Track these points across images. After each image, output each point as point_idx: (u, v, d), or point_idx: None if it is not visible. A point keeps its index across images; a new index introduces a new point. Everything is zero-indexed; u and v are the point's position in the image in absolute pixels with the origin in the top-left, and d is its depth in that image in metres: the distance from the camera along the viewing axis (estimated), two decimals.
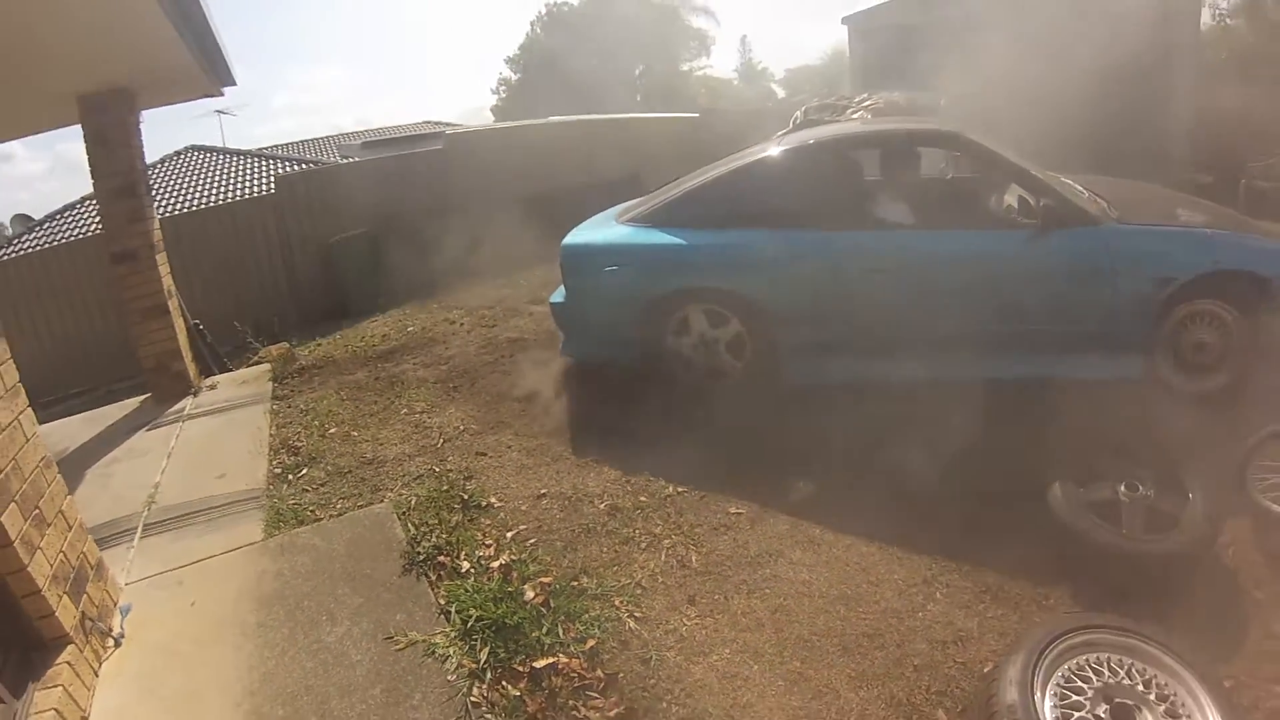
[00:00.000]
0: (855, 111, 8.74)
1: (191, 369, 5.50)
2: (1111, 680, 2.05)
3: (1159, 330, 3.82)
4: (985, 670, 2.32)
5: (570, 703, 2.31)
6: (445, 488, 3.54)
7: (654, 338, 4.24)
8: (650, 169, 8.31)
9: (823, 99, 10.72)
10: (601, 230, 4.56)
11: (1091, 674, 2.07)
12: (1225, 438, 3.22)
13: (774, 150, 4.35)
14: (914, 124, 5.45)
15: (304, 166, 15.36)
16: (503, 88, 38.14)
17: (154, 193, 5.50)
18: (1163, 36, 10.08)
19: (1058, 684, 2.04)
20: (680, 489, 3.40)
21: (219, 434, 4.56)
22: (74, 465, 4.25)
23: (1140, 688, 2.03)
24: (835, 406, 3.84)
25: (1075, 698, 2.00)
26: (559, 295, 4.63)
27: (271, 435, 4.39)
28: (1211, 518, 2.71)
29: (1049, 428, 3.39)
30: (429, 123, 23.97)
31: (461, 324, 6.24)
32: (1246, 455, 2.95)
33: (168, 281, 5.39)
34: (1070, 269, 3.79)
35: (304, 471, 3.89)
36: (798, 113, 9.70)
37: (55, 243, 11.67)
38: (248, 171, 16.47)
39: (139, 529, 3.47)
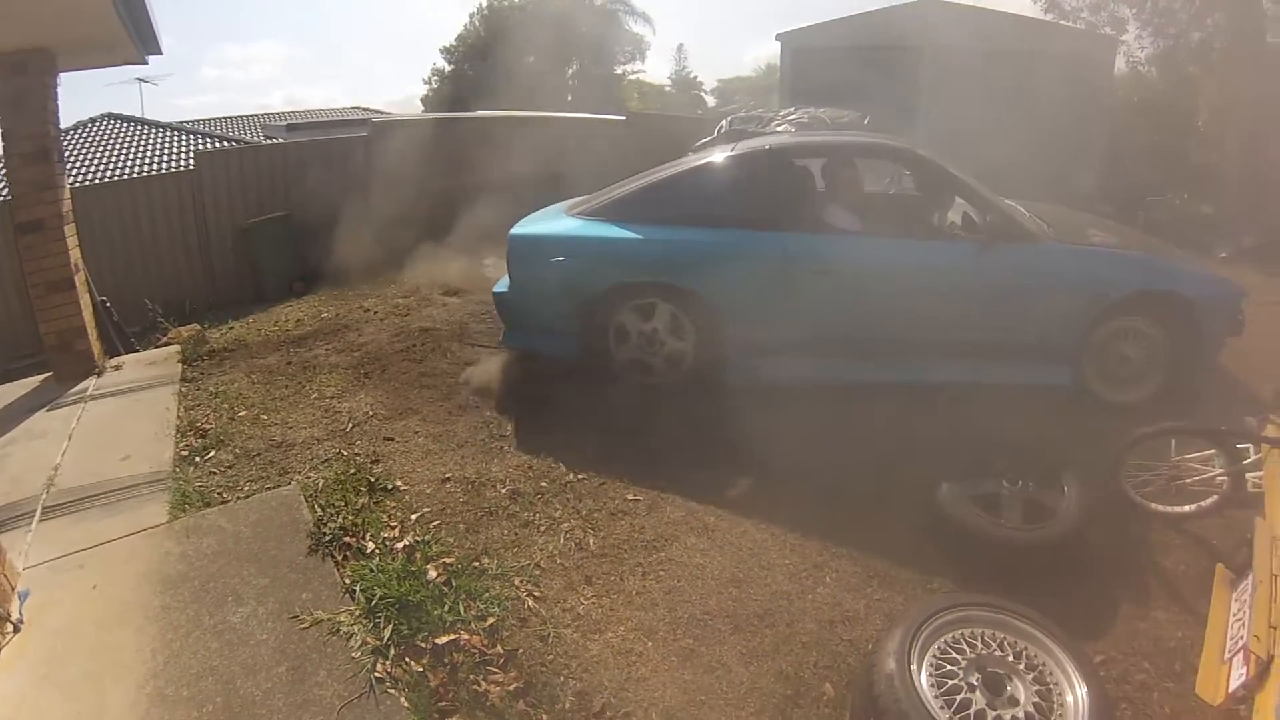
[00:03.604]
0: (780, 125, 8.88)
1: (96, 348, 5.17)
2: (984, 652, 2.15)
3: (1088, 342, 3.95)
4: (870, 647, 2.39)
5: (471, 677, 2.32)
6: (353, 471, 3.48)
7: (599, 331, 4.15)
8: (576, 168, 8.26)
9: (749, 110, 10.89)
10: (551, 222, 4.44)
11: (966, 647, 2.16)
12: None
13: (732, 152, 4.32)
14: (871, 137, 5.48)
15: (226, 144, 14.57)
16: (435, 78, 36.96)
17: (66, 161, 5.14)
18: (1078, 77, 10.65)
19: (934, 656, 2.13)
20: (580, 476, 3.44)
21: (124, 415, 4.33)
22: None
23: (1010, 658, 2.13)
24: (756, 403, 3.86)
25: (949, 667, 2.09)
26: (502, 285, 4.47)
27: (179, 417, 4.20)
28: (1083, 509, 2.88)
29: (949, 427, 3.52)
30: (358, 108, 23.14)
31: (375, 312, 6.09)
32: (1120, 452, 3.16)
33: (75, 255, 5.03)
34: (1010, 282, 3.89)
35: (211, 454, 3.75)
36: (723, 122, 9.81)
37: None
38: (167, 145, 15.50)
39: (38, 512, 3.27)
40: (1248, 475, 2.94)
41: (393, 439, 3.85)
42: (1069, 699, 2.04)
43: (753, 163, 4.27)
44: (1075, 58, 10.89)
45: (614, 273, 4.08)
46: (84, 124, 16.40)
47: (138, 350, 5.80)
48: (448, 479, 3.45)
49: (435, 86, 36.51)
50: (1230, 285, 4.11)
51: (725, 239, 4.02)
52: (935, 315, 3.95)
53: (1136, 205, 9.11)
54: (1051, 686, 2.08)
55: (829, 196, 4.43)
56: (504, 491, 3.34)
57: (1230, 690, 1.90)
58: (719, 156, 4.35)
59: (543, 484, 3.40)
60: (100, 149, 15.08)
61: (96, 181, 11.53)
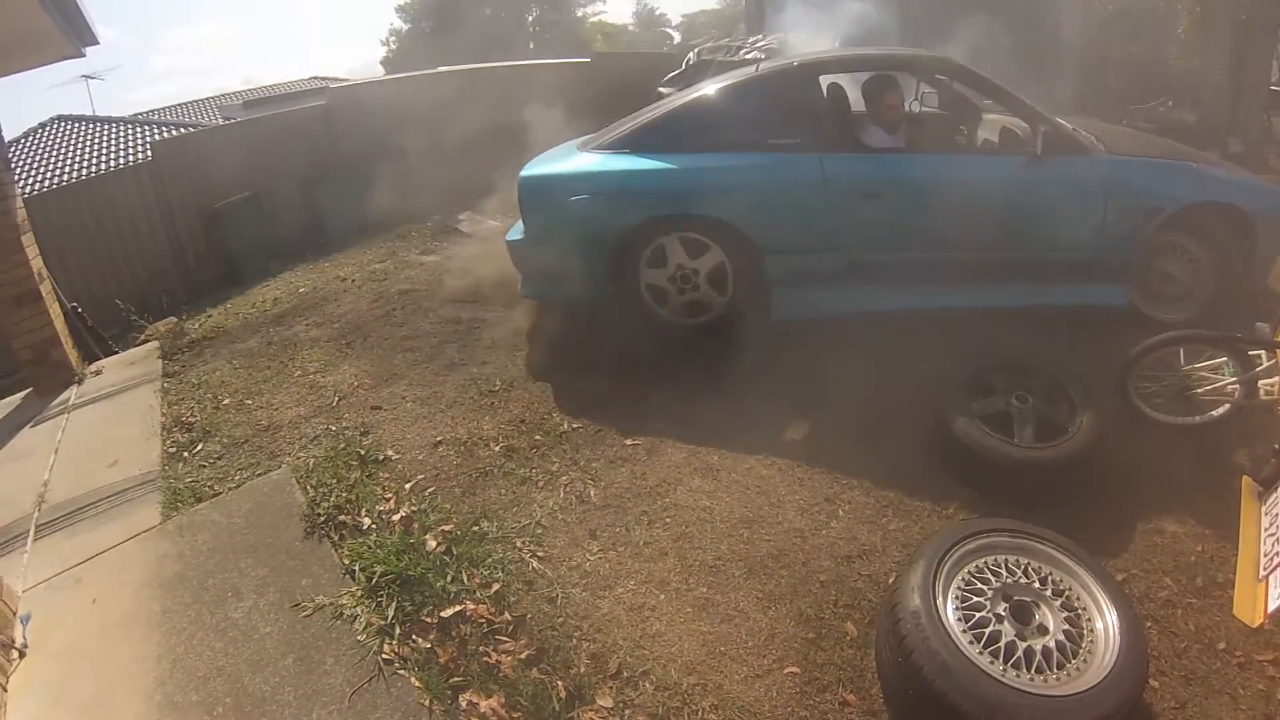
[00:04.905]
0: (749, 53, 8.43)
1: (73, 356, 4.95)
2: (1010, 580, 2.04)
3: (1139, 260, 3.70)
4: (890, 581, 2.28)
5: (481, 648, 2.19)
6: (342, 446, 3.31)
7: (626, 272, 3.79)
8: (542, 115, 7.86)
9: (716, 41, 10.39)
10: (565, 159, 4.04)
11: (990, 575, 2.05)
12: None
13: (759, 72, 3.95)
14: (907, 49, 4.99)
15: (182, 131, 13.95)
16: (393, 39, 35.50)
17: (16, 169, 4.84)
18: None
19: (959, 587, 2.02)
20: (575, 425, 3.27)
21: (108, 420, 4.15)
22: None
23: (1037, 585, 2.03)
24: (758, 336, 3.64)
25: (976, 599, 1.98)
26: (516, 233, 4.11)
27: (163, 415, 4.01)
28: (1096, 424, 2.72)
29: (961, 350, 3.29)
30: (316, 79, 22.20)
31: (353, 280, 5.84)
32: (1128, 365, 2.99)
33: (37, 264, 4.75)
34: (1065, 196, 3.60)
35: (199, 447, 3.58)
36: (691, 54, 9.40)
37: None
38: (123, 140, 14.81)
39: (31, 532, 3.12)
40: (1260, 382, 2.76)
41: (380, 407, 3.67)
42: (1099, 625, 1.93)
43: (781, 82, 3.88)
44: None
45: (642, 207, 3.69)
46: (33, 131, 15.68)
47: (116, 352, 5.58)
48: (439, 442, 3.28)
49: (394, 48, 35.18)
50: None
51: (760, 163, 3.64)
52: (987, 235, 3.61)
53: (1120, 114, 8.68)
54: (1080, 612, 1.97)
55: (867, 113, 4.07)
56: (498, 449, 3.16)
57: (1270, 610, 1.75)
58: (747, 76, 3.97)
59: (537, 437, 3.22)
60: (55, 154, 14.44)
61: (54, 187, 11.04)
